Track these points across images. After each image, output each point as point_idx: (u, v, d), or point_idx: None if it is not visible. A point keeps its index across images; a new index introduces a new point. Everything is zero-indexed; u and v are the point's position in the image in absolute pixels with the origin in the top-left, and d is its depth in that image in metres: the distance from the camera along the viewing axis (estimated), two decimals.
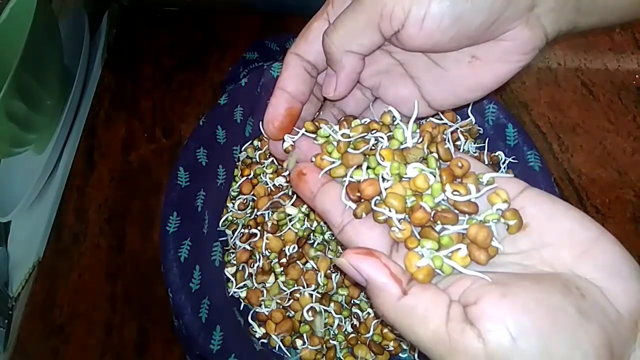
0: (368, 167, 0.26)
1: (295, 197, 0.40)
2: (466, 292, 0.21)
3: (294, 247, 0.39)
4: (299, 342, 0.38)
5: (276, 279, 0.39)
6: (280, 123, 0.30)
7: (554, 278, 0.21)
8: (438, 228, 0.24)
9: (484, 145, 0.43)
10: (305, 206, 0.40)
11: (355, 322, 0.38)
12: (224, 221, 0.41)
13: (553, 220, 0.23)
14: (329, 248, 0.39)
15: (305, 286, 0.38)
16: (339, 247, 0.39)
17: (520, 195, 0.24)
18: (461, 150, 0.43)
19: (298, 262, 0.39)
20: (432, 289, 0.22)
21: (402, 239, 0.24)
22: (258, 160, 0.43)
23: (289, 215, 0.40)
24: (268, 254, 0.39)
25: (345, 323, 0.38)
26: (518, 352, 0.19)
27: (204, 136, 0.41)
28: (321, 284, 0.38)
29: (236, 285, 0.39)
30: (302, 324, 0.38)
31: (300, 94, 0.30)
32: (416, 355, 0.38)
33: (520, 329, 0.19)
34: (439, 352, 0.20)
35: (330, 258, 0.39)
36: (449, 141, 0.40)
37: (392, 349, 0.38)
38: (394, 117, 0.28)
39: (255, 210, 0.41)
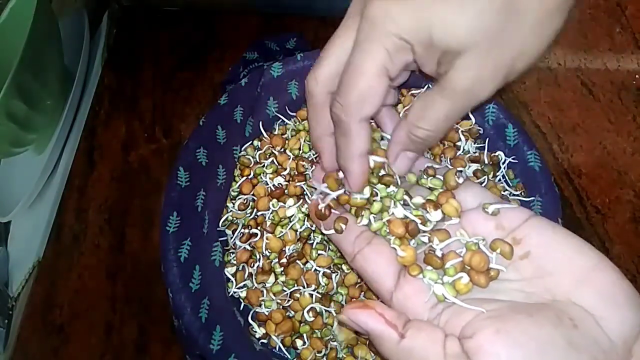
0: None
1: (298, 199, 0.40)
2: (465, 326, 0.23)
3: (294, 247, 0.39)
4: (299, 343, 0.38)
5: (276, 279, 0.39)
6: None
7: (548, 309, 0.22)
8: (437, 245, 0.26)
9: (484, 146, 0.43)
10: (305, 207, 0.40)
11: None
12: (224, 221, 0.41)
13: (553, 248, 0.24)
14: (329, 248, 0.39)
15: (306, 286, 0.38)
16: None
17: (524, 224, 0.25)
18: (461, 150, 0.43)
19: (298, 262, 0.39)
20: (428, 328, 0.23)
21: (408, 262, 0.26)
22: (258, 160, 0.43)
23: (290, 215, 0.40)
24: (268, 254, 0.39)
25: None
26: None
27: (204, 136, 0.41)
28: (322, 283, 0.38)
29: (236, 285, 0.39)
30: (302, 324, 0.38)
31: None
32: None
33: None
34: None
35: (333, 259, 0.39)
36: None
37: None
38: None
39: (255, 210, 0.41)
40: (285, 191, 0.41)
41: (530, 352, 0.21)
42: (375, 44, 0.25)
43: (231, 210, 0.41)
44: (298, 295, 0.38)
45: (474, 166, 0.42)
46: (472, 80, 0.25)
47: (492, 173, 0.42)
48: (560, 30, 0.25)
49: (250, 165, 0.43)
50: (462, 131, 0.43)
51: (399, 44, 0.25)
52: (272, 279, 0.39)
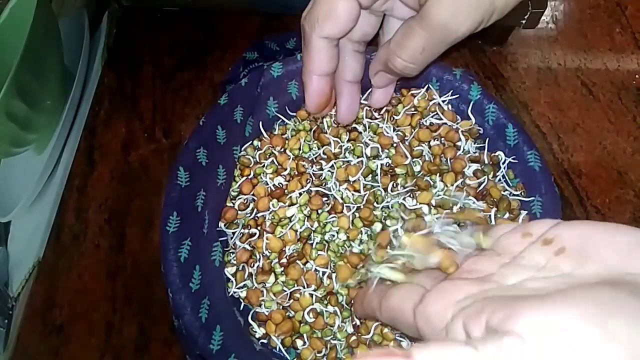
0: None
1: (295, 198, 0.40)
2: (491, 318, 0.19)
3: (294, 247, 0.39)
4: (299, 343, 0.38)
5: (276, 279, 0.39)
6: (326, 102, 0.32)
7: (603, 282, 0.20)
8: None
9: (484, 146, 0.43)
10: (306, 209, 0.40)
11: (357, 321, 0.38)
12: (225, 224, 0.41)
13: (589, 235, 0.22)
14: (328, 248, 0.39)
15: (306, 286, 0.38)
16: (340, 248, 0.39)
17: (552, 228, 0.24)
18: (461, 150, 0.43)
19: (298, 262, 0.39)
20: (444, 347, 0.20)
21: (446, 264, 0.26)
22: (258, 160, 0.43)
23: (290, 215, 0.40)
24: (268, 254, 0.39)
25: (345, 323, 0.38)
26: (571, 339, 0.17)
27: (204, 136, 0.41)
28: (325, 282, 0.38)
29: (236, 285, 0.39)
30: (302, 325, 0.38)
31: (332, 70, 0.31)
32: None
33: (568, 319, 0.17)
34: None
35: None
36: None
37: None
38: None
39: (255, 210, 0.41)
40: (285, 191, 0.41)
41: (593, 306, 0.17)
42: None
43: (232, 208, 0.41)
44: (298, 295, 0.38)
45: (474, 166, 0.42)
46: (449, 14, 0.25)
47: (492, 173, 0.42)
48: None
49: (250, 165, 0.43)
50: (462, 131, 0.43)
51: None
52: (272, 279, 0.39)
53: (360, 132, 0.43)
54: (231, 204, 0.42)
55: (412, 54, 0.29)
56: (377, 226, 0.40)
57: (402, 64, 0.29)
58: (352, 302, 0.37)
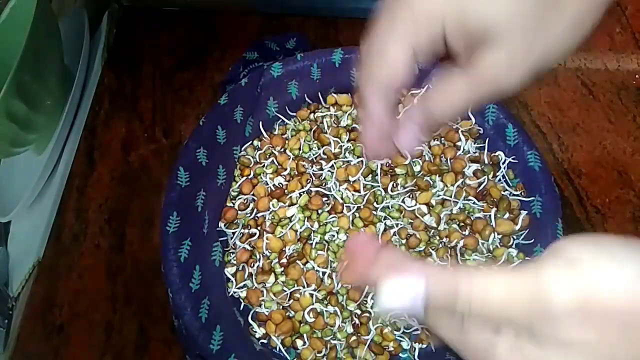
0: None
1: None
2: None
3: (294, 247, 0.39)
4: (299, 343, 0.38)
5: (276, 279, 0.39)
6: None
7: None
8: None
9: (484, 146, 0.43)
10: (307, 212, 0.40)
11: (357, 321, 0.38)
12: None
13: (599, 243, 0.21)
14: (328, 248, 0.39)
15: (306, 286, 0.38)
16: (340, 248, 0.39)
17: (558, 242, 0.23)
18: (461, 150, 0.43)
19: (298, 262, 0.39)
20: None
21: None
22: (258, 160, 0.43)
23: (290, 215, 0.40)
24: (268, 254, 0.39)
25: (345, 324, 0.38)
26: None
27: (204, 136, 0.41)
28: (325, 282, 0.38)
29: (236, 285, 0.39)
30: (302, 325, 0.38)
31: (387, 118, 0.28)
32: (416, 356, 0.38)
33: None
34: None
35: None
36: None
37: (392, 349, 0.37)
38: None
39: (255, 210, 0.41)
40: (285, 191, 0.41)
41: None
42: (406, 12, 0.24)
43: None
44: (298, 295, 0.38)
45: (474, 166, 0.42)
46: (501, 69, 0.24)
47: (492, 173, 0.42)
48: (595, 26, 0.24)
49: (250, 165, 0.43)
50: (462, 131, 0.43)
51: (430, 17, 0.24)
52: (272, 279, 0.39)
53: (361, 132, 0.43)
54: (231, 204, 0.42)
55: (452, 109, 0.27)
56: (380, 226, 0.40)
57: (440, 111, 0.27)
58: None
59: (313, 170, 0.41)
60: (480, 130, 0.43)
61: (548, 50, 0.24)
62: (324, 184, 0.41)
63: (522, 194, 0.41)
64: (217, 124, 0.41)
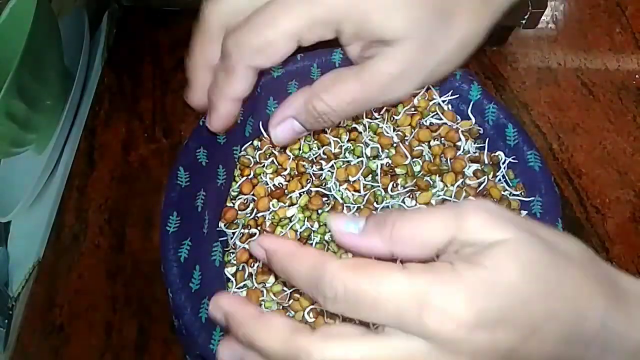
0: None
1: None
2: None
3: None
4: None
5: (276, 278, 0.39)
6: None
7: None
8: None
9: (484, 146, 0.43)
10: (307, 212, 0.40)
11: (357, 321, 0.38)
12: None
13: None
14: (328, 248, 0.39)
15: None
16: (340, 248, 0.39)
17: None
18: (461, 150, 0.43)
19: None
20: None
21: None
22: (258, 160, 0.43)
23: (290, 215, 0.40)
24: None
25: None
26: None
27: (204, 136, 0.41)
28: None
29: (236, 285, 0.39)
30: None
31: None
32: None
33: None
34: None
35: None
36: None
37: None
38: None
39: (255, 210, 0.41)
40: (285, 191, 0.41)
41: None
42: (303, 5, 0.24)
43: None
44: (298, 295, 0.38)
45: (474, 166, 0.42)
46: (392, 78, 0.25)
47: (492, 173, 0.42)
48: (478, 47, 0.27)
49: (250, 165, 0.43)
50: (462, 131, 0.43)
51: (325, 19, 0.24)
52: (272, 279, 0.39)
53: (360, 132, 0.43)
54: (231, 204, 0.42)
55: (338, 102, 0.27)
56: None
57: (324, 108, 0.27)
58: None
59: (313, 170, 0.41)
60: (480, 130, 0.43)
61: (438, 62, 0.26)
62: (324, 184, 0.41)
63: (522, 194, 0.41)
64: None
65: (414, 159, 0.42)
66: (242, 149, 0.44)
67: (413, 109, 0.44)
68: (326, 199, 0.41)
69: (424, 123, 0.43)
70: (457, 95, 0.44)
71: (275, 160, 0.43)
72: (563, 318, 0.19)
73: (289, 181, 0.41)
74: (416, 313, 0.18)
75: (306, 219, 0.40)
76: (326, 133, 0.43)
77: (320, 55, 0.44)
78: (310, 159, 0.42)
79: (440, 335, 0.18)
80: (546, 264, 0.19)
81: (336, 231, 0.24)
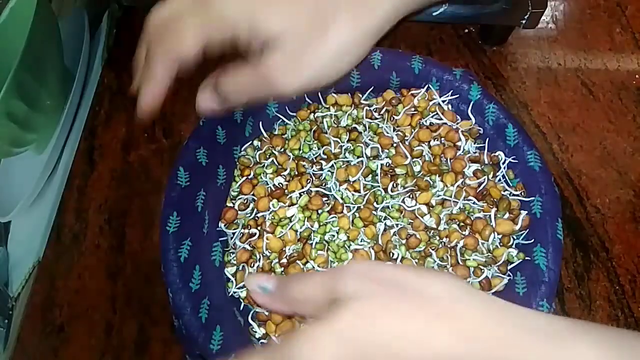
0: None
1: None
2: None
3: (294, 247, 0.39)
4: None
5: None
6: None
7: None
8: None
9: (484, 146, 0.43)
10: (308, 213, 0.40)
11: None
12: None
13: None
14: (328, 248, 0.39)
15: None
16: (340, 248, 0.39)
17: None
18: (461, 150, 0.43)
19: (298, 262, 0.39)
20: None
21: None
22: (258, 160, 0.43)
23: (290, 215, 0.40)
24: (268, 254, 0.39)
25: None
26: None
27: (204, 136, 0.41)
28: None
29: (236, 285, 0.39)
30: (302, 324, 0.38)
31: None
32: None
33: None
34: None
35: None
36: None
37: None
38: None
39: (255, 210, 0.41)
40: (285, 191, 0.41)
41: None
42: (206, 8, 0.28)
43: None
44: None
45: (474, 166, 0.42)
46: (277, 71, 0.28)
47: (492, 173, 0.42)
48: (365, 55, 0.29)
49: (250, 165, 0.43)
50: (462, 131, 0.43)
51: (223, 23, 0.28)
52: None
53: (360, 132, 0.43)
54: (231, 204, 0.42)
55: (234, 88, 0.31)
56: (380, 227, 0.40)
57: (225, 90, 0.32)
58: None
59: (313, 171, 0.41)
60: (480, 130, 0.43)
61: (316, 70, 0.28)
62: (324, 184, 0.41)
63: (522, 194, 0.41)
64: (217, 124, 0.41)
65: (414, 159, 0.42)
66: (242, 149, 0.44)
67: (413, 109, 0.44)
68: (326, 199, 0.41)
69: (424, 123, 0.43)
70: (457, 95, 0.44)
71: (275, 160, 0.43)
72: None
73: (289, 181, 0.41)
74: None
75: (306, 219, 0.40)
76: (326, 133, 0.43)
77: None
78: (310, 159, 0.42)
79: None
80: (387, 320, 0.21)
81: (251, 291, 0.27)
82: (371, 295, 0.22)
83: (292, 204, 0.40)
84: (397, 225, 0.40)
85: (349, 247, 0.39)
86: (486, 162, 0.42)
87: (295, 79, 0.28)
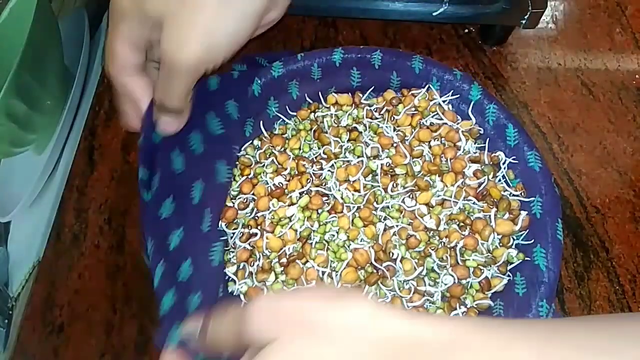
0: None
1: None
2: None
3: (294, 247, 0.39)
4: None
5: (276, 277, 0.39)
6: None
7: None
8: None
9: (484, 146, 0.43)
10: (307, 212, 0.40)
11: None
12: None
13: None
14: (328, 248, 0.39)
15: (305, 285, 0.38)
16: (340, 248, 0.39)
17: None
18: (462, 151, 0.43)
19: (298, 261, 0.39)
20: None
21: None
22: (258, 159, 0.43)
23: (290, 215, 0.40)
24: (268, 253, 0.39)
25: None
26: None
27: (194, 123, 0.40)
28: (326, 280, 0.38)
29: (237, 284, 0.39)
30: None
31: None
32: None
33: None
34: None
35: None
36: None
37: None
38: None
39: (255, 209, 0.41)
40: (285, 191, 0.41)
41: None
42: (121, 23, 0.33)
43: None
44: None
45: (474, 166, 0.42)
46: (171, 44, 0.31)
47: (492, 173, 0.42)
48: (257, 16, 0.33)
49: (251, 165, 0.43)
50: (462, 131, 0.43)
51: (132, 19, 0.32)
52: (272, 277, 0.39)
53: (361, 132, 0.43)
54: (231, 204, 0.42)
55: (162, 91, 0.34)
56: (380, 226, 0.40)
57: (159, 100, 0.35)
58: None
59: (313, 170, 0.42)
60: (480, 130, 0.43)
61: (210, 30, 0.30)
62: (324, 184, 0.41)
63: (522, 194, 0.41)
64: (205, 111, 0.41)
65: (414, 159, 0.42)
66: (242, 148, 0.44)
67: (413, 109, 0.44)
68: (326, 198, 0.41)
69: (424, 123, 0.43)
70: (458, 95, 0.44)
71: (275, 160, 0.43)
72: None
73: (289, 181, 0.41)
74: None
75: (306, 218, 0.40)
76: (326, 133, 0.43)
77: (321, 54, 0.44)
78: (310, 158, 0.43)
79: None
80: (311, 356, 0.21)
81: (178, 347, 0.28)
82: (278, 342, 0.21)
83: (292, 204, 0.40)
84: (397, 225, 0.40)
85: (348, 246, 0.39)
86: (486, 162, 0.42)
87: (192, 45, 0.30)
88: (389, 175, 0.41)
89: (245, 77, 0.43)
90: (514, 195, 0.41)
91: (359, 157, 0.42)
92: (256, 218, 0.41)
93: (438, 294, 0.38)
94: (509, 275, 0.38)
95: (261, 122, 0.44)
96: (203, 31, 0.30)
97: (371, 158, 0.42)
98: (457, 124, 0.44)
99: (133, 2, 0.32)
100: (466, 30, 0.57)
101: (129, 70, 0.35)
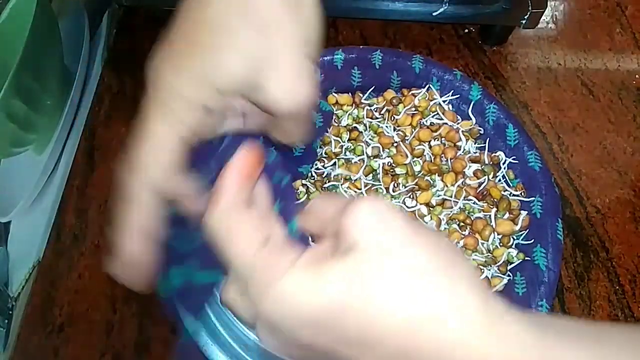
0: None
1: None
2: None
3: None
4: None
5: None
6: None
7: None
8: None
9: (485, 146, 0.43)
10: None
11: None
12: None
13: None
14: None
15: None
16: None
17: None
18: (462, 150, 0.43)
19: None
20: None
21: None
22: None
23: None
24: None
25: None
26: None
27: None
28: None
29: None
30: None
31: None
32: None
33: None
34: None
35: None
36: None
37: None
38: None
39: None
40: None
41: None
42: (168, 117, 0.26)
43: None
44: None
45: (474, 166, 0.42)
46: (284, 90, 0.25)
47: (492, 173, 0.42)
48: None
49: None
50: (462, 131, 0.43)
51: (190, 108, 0.26)
52: None
53: (361, 132, 0.43)
54: None
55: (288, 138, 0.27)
56: None
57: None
58: None
59: (315, 169, 0.42)
60: (480, 130, 0.43)
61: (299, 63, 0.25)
62: (325, 182, 0.41)
63: (522, 194, 0.41)
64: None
65: (415, 159, 0.42)
66: None
67: (414, 109, 0.44)
68: None
69: (425, 123, 0.44)
70: (458, 95, 0.44)
71: None
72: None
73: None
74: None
75: None
76: (327, 132, 0.43)
77: (321, 55, 0.44)
78: None
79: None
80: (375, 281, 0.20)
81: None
82: (361, 258, 0.20)
83: None
84: None
85: None
86: (486, 162, 0.42)
87: (302, 82, 0.25)
88: (390, 175, 0.41)
89: None
90: (514, 195, 0.41)
91: (359, 156, 0.42)
92: None
93: None
94: (509, 275, 0.38)
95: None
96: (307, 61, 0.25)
97: (372, 157, 0.42)
98: (457, 123, 0.44)
99: (201, 83, 0.25)
100: (466, 30, 0.57)
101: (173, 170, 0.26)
